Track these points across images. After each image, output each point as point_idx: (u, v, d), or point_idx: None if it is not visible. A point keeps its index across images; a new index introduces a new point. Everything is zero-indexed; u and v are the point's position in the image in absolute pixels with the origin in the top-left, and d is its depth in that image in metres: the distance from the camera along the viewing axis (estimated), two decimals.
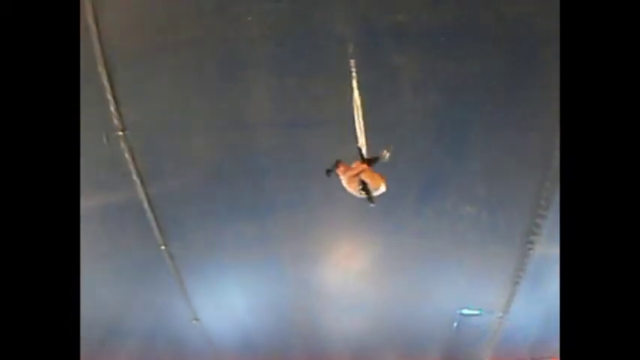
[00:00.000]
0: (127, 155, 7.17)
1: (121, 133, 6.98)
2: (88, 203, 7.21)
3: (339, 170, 5.79)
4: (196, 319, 9.32)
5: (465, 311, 9.22)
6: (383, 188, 5.80)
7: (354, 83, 5.96)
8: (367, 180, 5.74)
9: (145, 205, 7.67)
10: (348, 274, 8.82)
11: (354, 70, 5.98)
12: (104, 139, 7.02)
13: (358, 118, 5.89)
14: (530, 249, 8.13)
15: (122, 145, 7.07)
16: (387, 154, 5.87)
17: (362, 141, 5.89)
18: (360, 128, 5.88)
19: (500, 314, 9.18)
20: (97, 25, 6.15)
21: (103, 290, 8.63)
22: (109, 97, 6.69)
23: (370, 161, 5.82)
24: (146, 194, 7.59)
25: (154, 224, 7.92)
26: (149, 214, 7.79)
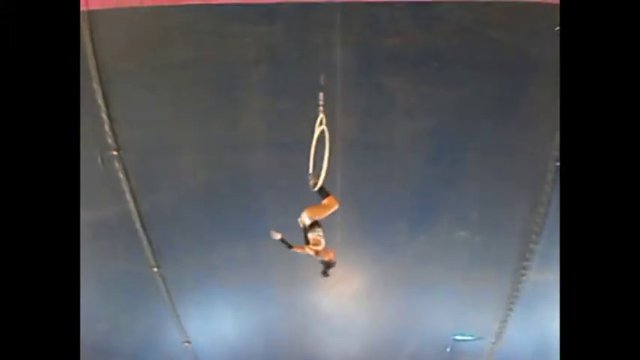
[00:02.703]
0: (120, 175, 7.18)
1: (115, 152, 7.01)
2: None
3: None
4: (187, 342, 9.22)
5: (459, 336, 9.15)
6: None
7: (321, 116, 5.72)
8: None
9: (138, 225, 7.64)
10: (341, 299, 8.75)
11: (321, 102, 5.73)
12: (99, 160, 7.03)
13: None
14: (523, 274, 8.09)
15: (116, 164, 7.09)
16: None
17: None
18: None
19: (493, 339, 9.09)
20: (93, 45, 6.22)
21: (93, 310, 8.54)
22: (104, 116, 6.74)
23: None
24: (139, 214, 7.56)
25: (146, 245, 7.88)
26: (141, 235, 7.75)
